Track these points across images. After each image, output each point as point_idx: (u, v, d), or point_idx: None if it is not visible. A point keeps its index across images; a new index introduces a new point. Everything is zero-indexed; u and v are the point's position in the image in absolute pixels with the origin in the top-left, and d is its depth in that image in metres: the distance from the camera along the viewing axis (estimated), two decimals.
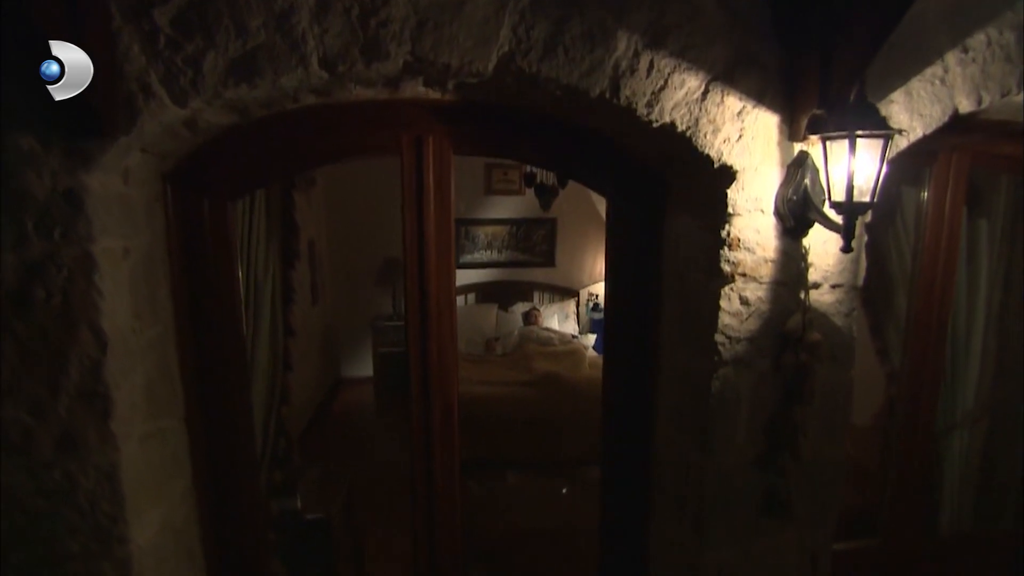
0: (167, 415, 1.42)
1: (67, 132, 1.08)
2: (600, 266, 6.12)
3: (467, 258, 5.87)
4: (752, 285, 1.40)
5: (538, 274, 5.93)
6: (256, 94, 1.20)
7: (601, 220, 6.03)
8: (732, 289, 1.39)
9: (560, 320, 5.72)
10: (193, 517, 1.53)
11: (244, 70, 1.14)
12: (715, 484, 1.46)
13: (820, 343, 1.37)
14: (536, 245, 5.93)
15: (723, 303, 1.40)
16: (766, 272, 1.39)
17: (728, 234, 1.37)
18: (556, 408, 3.99)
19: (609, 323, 1.78)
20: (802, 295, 1.39)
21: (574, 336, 5.50)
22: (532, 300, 5.90)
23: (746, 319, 1.41)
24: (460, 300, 5.87)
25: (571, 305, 5.90)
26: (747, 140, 1.32)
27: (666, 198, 1.63)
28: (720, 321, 1.40)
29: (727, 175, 1.34)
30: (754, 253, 1.38)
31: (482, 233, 5.88)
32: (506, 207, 5.86)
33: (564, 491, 3.73)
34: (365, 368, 5.77)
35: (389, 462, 4.09)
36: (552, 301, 5.95)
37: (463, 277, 5.87)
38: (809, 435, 1.42)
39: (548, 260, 5.98)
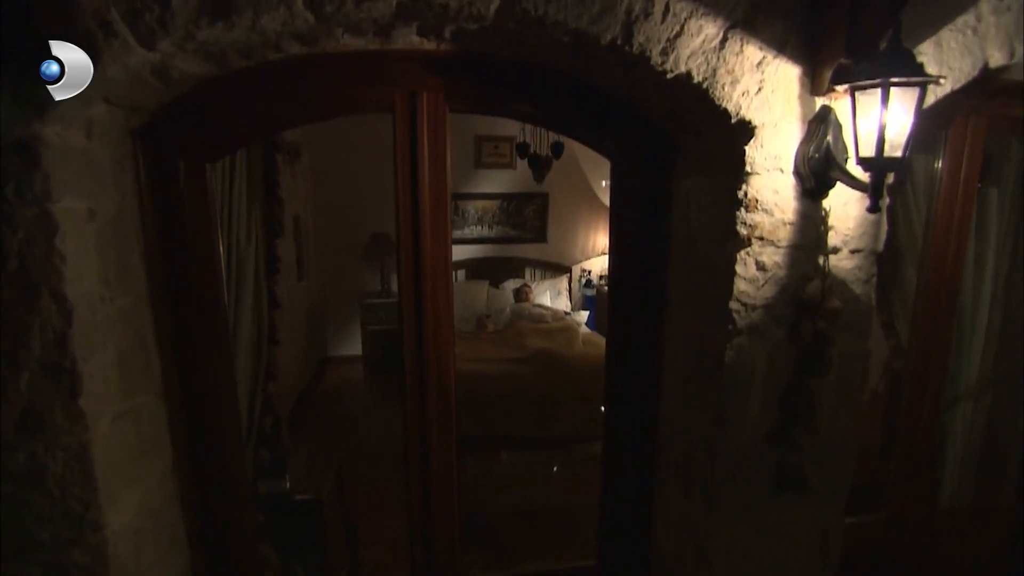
0: (143, 391, 1.32)
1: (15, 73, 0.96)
2: (593, 242, 6.05)
3: (457, 234, 5.76)
4: (769, 249, 1.32)
5: (529, 250, 5.84)
6: (234, 36, 1.08)
7: (594, 195, 5.95)
8: (748, 254, 1.32)
9: (552, 297, 5.65)
10: (174, 500, 1.45)
11: (219, 5, 1.03)
12: (728, 459, 1.41)
13: (839, 311, 1.30)
14: (527, 220, 5.84)
15: (739, 268, 1.32)
16: (784, 235, 1.32)
17: (745, 195, 1.29)
18: (550, 385, 3.94)
19: (613, 291, 1.71)
20: (821, 260, 1.32)
21: (567, 313, 5.44)
22: (523, 277, 5.82)
23: (762, 286, 1.34)
24: None
25: (563, 282, 5.83)
26: (767, 93, 1.24)
27: (675, 158, 1.55)
28: (735, 288, 1.33)
29: (745, 131, 1.26)
30: (772, 215, 1.30)
31: (472, 208, 5.77)
32: (497, 181, 5.74)
33: (555, 469, 3.70)
34: (353, 346, 5.68)
35: (379, 441, 4.03)
36: (544, 277, 5.87)
37: (454, 253, 5.73)
38: (824, 408, 1.37)
39: (540, 236, 5.89)
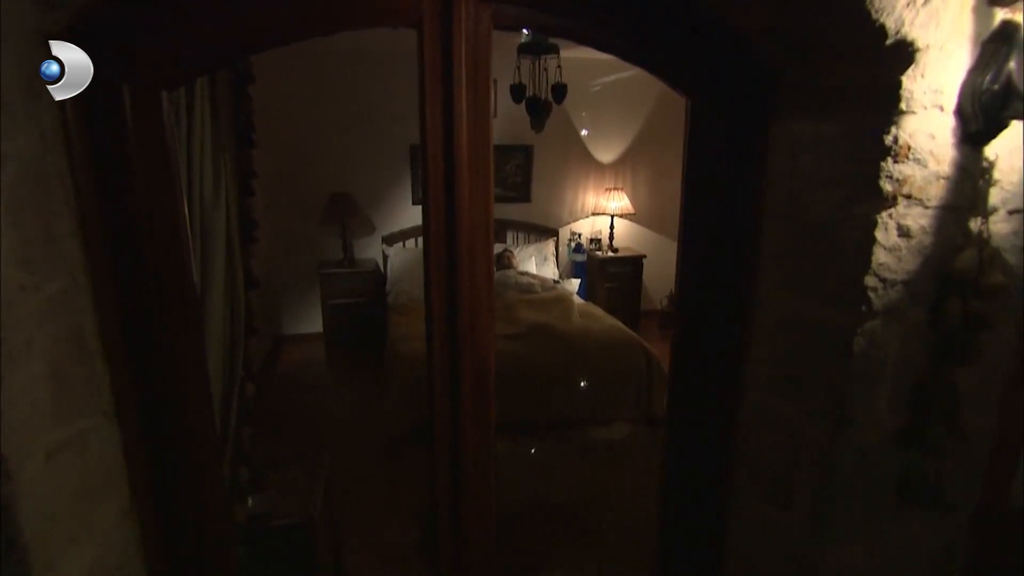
0: (87, 412, 1.03)
1: None
2: (583, 201, 5.82)
3: None
4: (916, 210, 1.11)
5: (511, 210, 5.56)
6: None
7: (584, 148, 5.68)
8: (891, 216, 1.11)
9: (538, 263, 5.42)
10: (135, 547, 1.17)
11: None
12: (848, 466, 1.23)
13: (1002, 287, 1.11)
14: (508, 176, 5.53)
15: (879, 235, 1.11)
16: (935, 192, 1.11)
17: (895, 140, 1.07)
18: (548, 365, 3.74)
19: (684, 258, 1.51)
20: (976, 224, 1.13)
21: (556, 281, 5.23)
22: (504, 240, 5.56)
23: (904, 256, 1.13)
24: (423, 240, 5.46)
25: (550, 246, 5.60)
26: (936, 3, 1.00)
27: (774, 93, 1.31)
28: (874, 259, 1.12)
29: (903, 55, 1.03)
30: (925, 167, 1.09)
31: None
32: None
33: (533, 451, 3.56)
34: (312, 323, 5.34)
35: (350, 431, 3.76)
36: (528, 242, 5.63)
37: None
38: (966, 403, 1.20)
39: (523, 194, 5.60)
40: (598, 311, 4.57)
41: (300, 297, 5.37)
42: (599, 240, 5.72)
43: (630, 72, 5.29)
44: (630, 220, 5.84)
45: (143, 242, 1.09)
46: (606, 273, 5.51)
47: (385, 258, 5.35)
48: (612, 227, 5.64)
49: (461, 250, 1.29)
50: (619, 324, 4.24)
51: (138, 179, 1.07)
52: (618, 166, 5.78)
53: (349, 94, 4.99)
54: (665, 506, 1.67)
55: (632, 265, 5.60)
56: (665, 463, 1.64)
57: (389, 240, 5.41)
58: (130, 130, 1.07)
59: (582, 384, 3.77)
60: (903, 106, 1.05)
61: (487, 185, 1.28)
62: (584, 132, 5.53)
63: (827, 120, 1.20)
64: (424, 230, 1.31)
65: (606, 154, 5.74)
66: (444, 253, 1.29)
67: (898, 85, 1.04)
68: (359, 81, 4.99)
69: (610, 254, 5.58)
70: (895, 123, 1.06)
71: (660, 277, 5.98)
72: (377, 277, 5.27)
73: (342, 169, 5.15)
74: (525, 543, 2.68)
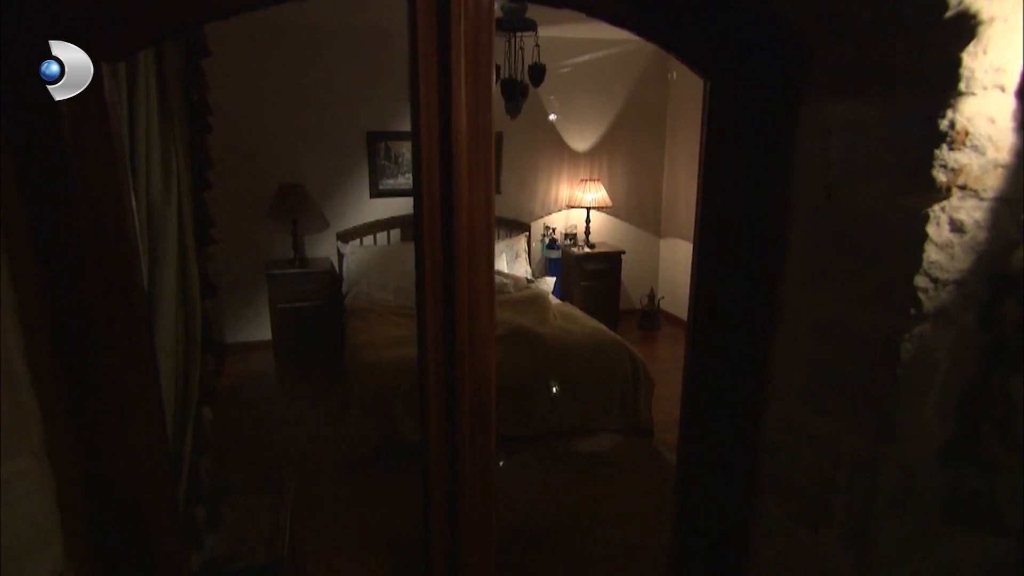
0: (12, 452, 0.91)
1: None
2: (556, 193, 5.78)
3: (388, 183, 5.30)
4: (970, 203, 1.08)
5: None
6: None
7: (558, 136, 5.64)
8: (943, 209, 1.07)
9: (509, 261, 5.36)
10: None
11: None
12: (893, 484, 1.20)
13: None
14: None
15: (930, 230, 1.08)
16: (991, 183, 1.08)
17: (952, 125, 1.03)
18: (525, 371, 3.68)
19: (700, 256, 1.46)
20: None
21: (529, 280, 5.17)
22: None
23: (957, 254, 1.10)
24: (382, 238, 5.34)
25: (521, 242, 5.54)
26: None
27: (805, 72, 1.27)
28: (925, 257, 1.09)
29: (965, 29, 0.99)
30: (983, 155, 1.06)
31: (407, 151, 5.29)
32: None
33: (501, 464, 3.51)
34: (259, 330, 5.14)
35: (306, 449, 3.61)
36: (498, 237, 5.54)
37: (384, 208, 5.33)
38: (1021, 413, 1.18)
39: None
40: (577, 312, 4.53)
41: (245, 301, 5.16)
42: (574, 235, 5.69)
43: (605, 52, 5.28)
44: (607, 213, 5.83)
45: (82, 245, 0.97)
46: (582, 271, 5.48)
47: (340, 257, 5.19)
48: (588, 221, 5.61)
49: (459, 252, 1.21)
50: (601, 326, 4.21)
51: (75, 169, 0.95)
52: (594, 155, 5.76)
53: (301, 73, 4.83)
54: (679, 527, 1.63)
55: (610, 262, 5.59)
56: (679, 481, 1.60)
57: (344, 237, 5.26)
58: (64, 110, 0.95)
59: (554, 390, 3.72)
60: (962, 87, 1.01)
61: (488, 178, 1.21)
62: (553, 117, 5.48)
63: (868, 103, 1.16)
64: (416, 230, 1.22)
65: (581, 142, 5.71)
66: (440, 256, 1.21)
67: (957, 63, 1.00)
68: (312, 59, 4.83)
69: (586, 250, 5.56)
70: (952, 106, 1.03)
71: (639, 274, 5.99)
72: (332, 278, 5.11)
73: (292, 157, 4.97)
74: (514, 571, 2.60)
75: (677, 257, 5.87)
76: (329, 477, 3.28)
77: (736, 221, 1.42)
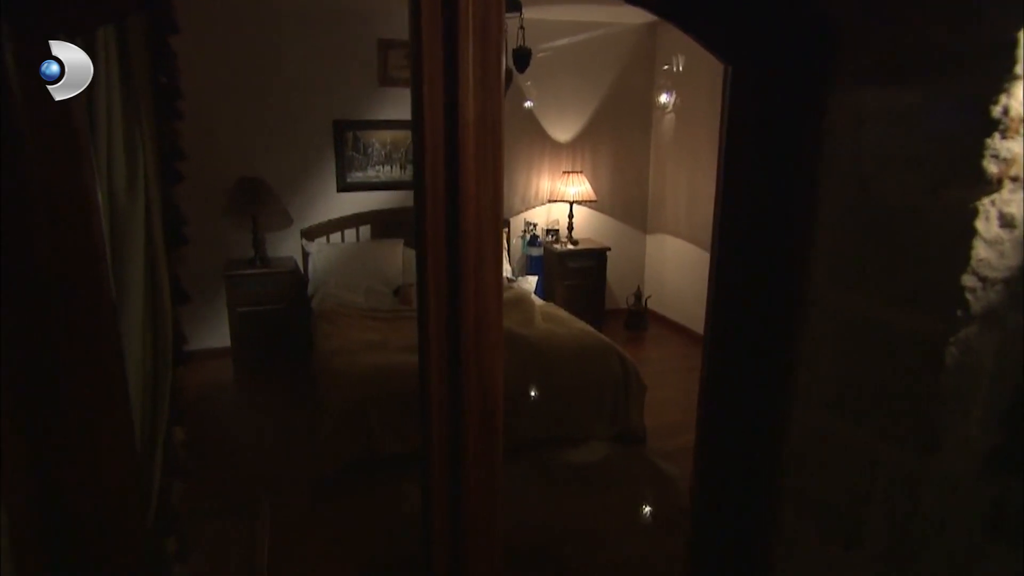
0: None
1: None
2: (537, 187, 5.75)
3: (357, 176, 5.22)
4: (1020, 196, 1.07)
5: None
6: None
7: (539, 127, 5.60)
8: (993, 203, 1.06)
9: None
10: None
11: None
12: (935, 499, 1.18)
13: None
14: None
15: (979, 225, 1.06)
16: None
17: (1006, 111, 1.01)
18: (511, 377, 3.63)
19: (720, 253, 1.45)
20: None
21: (509, 279, 5.13)
22: None
23: (1007, 250, 1.09)
24: (350, 235, 5.25)
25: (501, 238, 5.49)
26: None
27: (836, 55, 1.25)
28: (974, 254, 1.07)
29: (1020, 5, 0.97)
30: None
31: (376, 141, 5.22)
32: (409, 104, 5.20)
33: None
34: (216, 336, 5.00)
35: (271, 465, 3.51)
36: None
37: (354, 203, 5.25)
38: None
39: None
40: (562, 313, 4.50)
41: (201, 304, 5.00)
42: (556, 231, 5.66)
43: (588, 35, 5.26)
44: (591, 208, 5.82)
45: (41, 248, 0.89)
46: (565, 269, 5.46)
47: (305, 256, 5.09)
48: (571, 216, 5.59)
49: (466, 249, 1.16)
50: (588, 328, 4.19)
51: (31, 162, 0.88)
52: (576, 145, 5.74)
53: (261, 56, 4.71)
54: (695, 545, 1.61)
55: (595, 259, 5.58)
56: (694, 495, 1.58)
57: (310, 234, 5.16)
58: (14, 89, 0.87)
59: (532, 394, 3.70)
60: (1017, 70, 1.00)
61: (497, 167, 1.17)
62: (528, 104, 5.43)
63: (907, 88, 1.15)
64: (417, 225, 1.17)
65: (563, 132, 5.68)
66: (443, 253, 1.16)
67: (1012, 44, 0.99)
68: (274, 41, 4.72)
69: (569, 247, 5.54)
70: (1005, 91, 1.01)
71: (625, 272, 6.00)
72: (296, 279, 5.00)
73: (251, 148, 4.85)
74: None
75: (664, 254, 5.89)
76: (301, 496, 3.19)
77: (758, 216, 1.40)
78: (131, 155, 1.18)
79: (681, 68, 5.38)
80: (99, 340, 0.96)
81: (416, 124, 1.12)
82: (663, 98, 5.66)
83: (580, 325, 4.22)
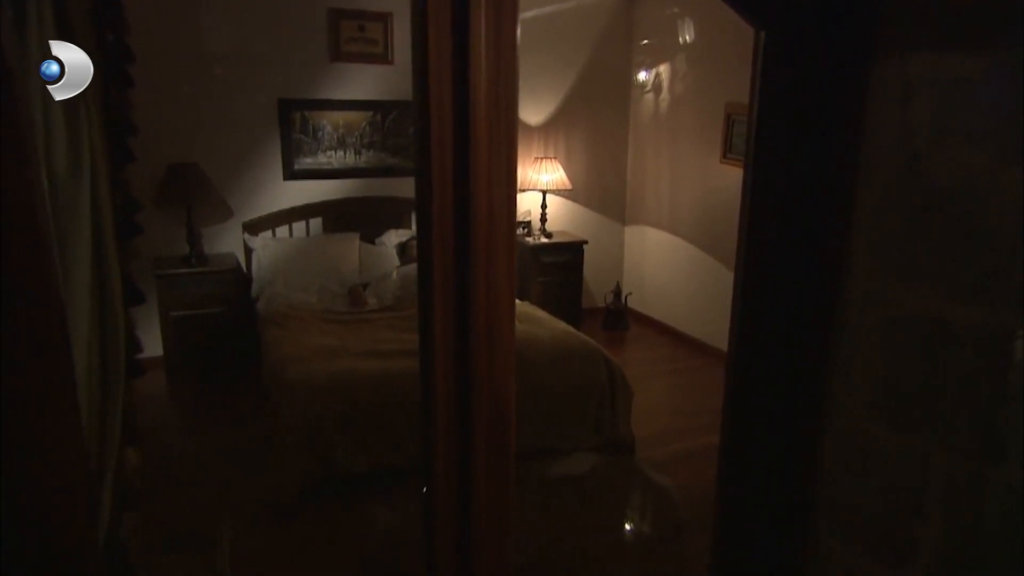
0: None
1: None
2: None
3: (306, 163, 5.09)
4: None
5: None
6: None
7: None
8: None
9: None
10: None
11: None
12: (999, 509, 1.17)
13: None
14: (411, 143, 5.29)
15: None
16: None
17: None
18: None
19: (748, 240, 1.42)
20: None
21: None
22: (409, 226, 5.32)
23: None
24: (299, 228, 5.12)
25: None
26: None
27: (881, 21, 1.24)
28: None
29: None
30: None
31: (328, 124, 5.10)
32: (364, 82, 5.12)
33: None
34: (146, 344, 4.79)
35: (217, 490, 3.38)
36: None
37: (303, 192, 5.13)
38: None
39: None
40: (540, 313, 4.46)
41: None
42: (528, 223, 5.62)
43: (559, 6, 5.23)
44: (566, 197, 5.80)
45: None
46: (540, 264, 5.43)
47: (248, 252, 4.93)
48: (544, 206, 5.56)
49: (477, 246, 1.11)
50: (571, 329, 4.16)
51: None
52: (549, 129, 5.71)
53: (194, 25, 4.53)
54: (719, 566, 1.59)
55: (571, 253, 5.55)
56: (719, 509, 1.57)
57: (253, 228, 5.00)
58: None
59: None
60: None
61: (511, 155, 1.12)
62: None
63: (964, 54, 1.13)
64: (420, 219, 1.12)
65: (534, 114, 5.64)
66: (451, 249, 1.11)
67: None
68: (211, 10, 4.55)
69: (543, 240, 5.50)
70: None
71: (604, 267, 6.00)
72: (238, 278, 4.84)
73: (185, 131, 4.67)
74: None
75: (645, 247, 5.90)
76: (260, 522, 3.07)
77: (791, 201, 1.37)
78: (73, 131, 1.08)
79: (662, 42, 5.41)
80: (46, 350, 0.86)
81: (420, 106, 1.06)
82: (642, 76, 5.68)
83: (561, 326, 4.18)
